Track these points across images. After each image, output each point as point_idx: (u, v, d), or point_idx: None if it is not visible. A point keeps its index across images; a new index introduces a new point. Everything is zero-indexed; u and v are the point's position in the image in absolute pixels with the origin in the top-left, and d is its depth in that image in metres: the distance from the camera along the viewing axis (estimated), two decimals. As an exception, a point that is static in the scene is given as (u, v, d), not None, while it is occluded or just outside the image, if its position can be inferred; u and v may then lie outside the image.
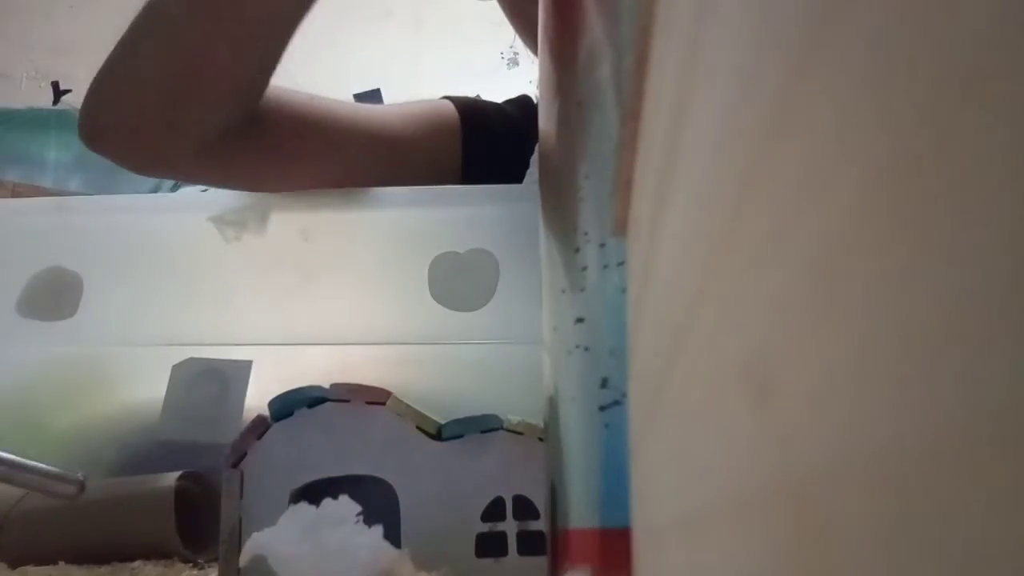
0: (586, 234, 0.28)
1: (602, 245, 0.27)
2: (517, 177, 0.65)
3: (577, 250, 0.28)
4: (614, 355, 0.26)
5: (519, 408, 0.41)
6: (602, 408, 0.26)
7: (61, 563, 0.45)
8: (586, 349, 0.27)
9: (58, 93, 1.81)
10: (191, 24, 0.52)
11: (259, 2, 0.51)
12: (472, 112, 0.68)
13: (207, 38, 0.52)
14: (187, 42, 0.52)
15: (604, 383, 0.26)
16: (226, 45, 0.52)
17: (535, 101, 0.74)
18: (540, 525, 0.39)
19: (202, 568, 0.46)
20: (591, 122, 0.28)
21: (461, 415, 0.41)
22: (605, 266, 0.27)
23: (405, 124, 0.64)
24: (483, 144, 0.67)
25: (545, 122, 0.33)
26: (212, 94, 0.53)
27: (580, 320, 0.28)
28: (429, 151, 0.65)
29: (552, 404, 0.31)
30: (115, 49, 0.54)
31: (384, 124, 0.63)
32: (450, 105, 0.67)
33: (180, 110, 0.53)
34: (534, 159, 0.66)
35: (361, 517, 0.34)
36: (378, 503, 0.38)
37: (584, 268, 0.28)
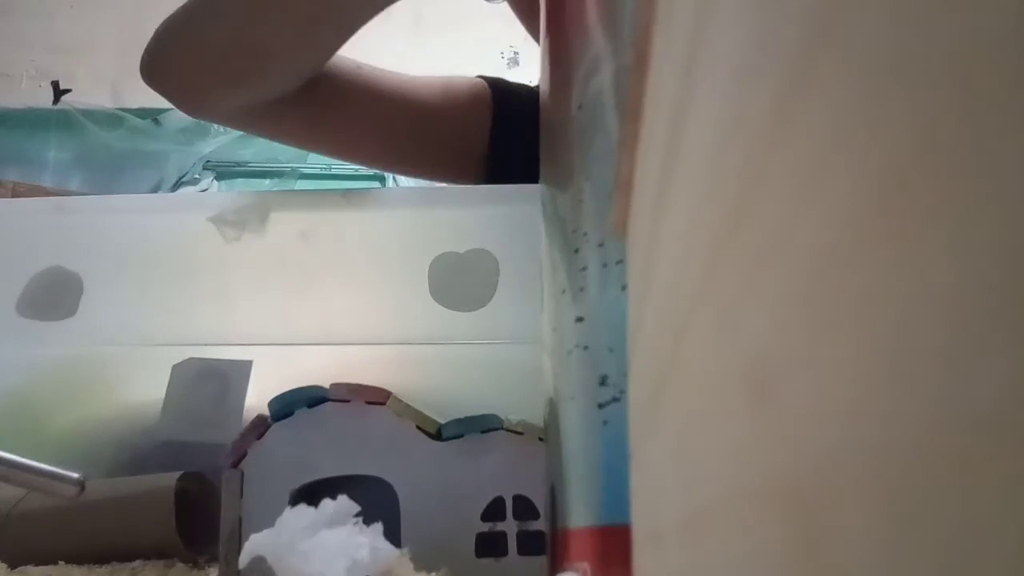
0: (586, 234, 0.28)
1: (601, 245, 0.27)
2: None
3: (577, 250, 0.28)
4: (613, 352, 0.26)
5: (519, 408, 0.40)
6: (601, 405, 0.26)
7: (61, 563, 0.45)
8: (585, 348, 0.27)
9: (58, 93, 1.81)
10: (258, 12, 0.56)
11: (327, 5, 0.55)
12: (503, 89, 0.71)
13: (272, 28, 0.56)
14: (251, 29, 0.56)
15: (603, 380, 0.26)
16: (289, 37, 0.56)
17: None
18: (540, 525, 0.39)
19: (202, 568, 0.46)
20: (592, 124, 0.28)
21: (461, 415, 0.41)
22: (604, 265, 0.27)
23: (441, 95, 0.69)
24: (511, 118, 0.70)
25: (547, 124, 0.33)
26: (269, 74, 0.58)
27: (580, 319, 0.28)
28: (459, 122, 0.69)
29: (552, 404, 0.31)
30: (192, 4, 0.58)
31: (420, 94, 0.67)
32: (482, 82, 0.71)
33: (237, 79, 0.58)
34: None
35: (361, 517, 0.34)
36: (378, 503, 0.38)
37: (584, 268, 0.28)
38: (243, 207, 0.56)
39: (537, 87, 0.74)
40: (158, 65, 0.60)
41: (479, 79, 0.71)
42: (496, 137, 0.69)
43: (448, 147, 0.68)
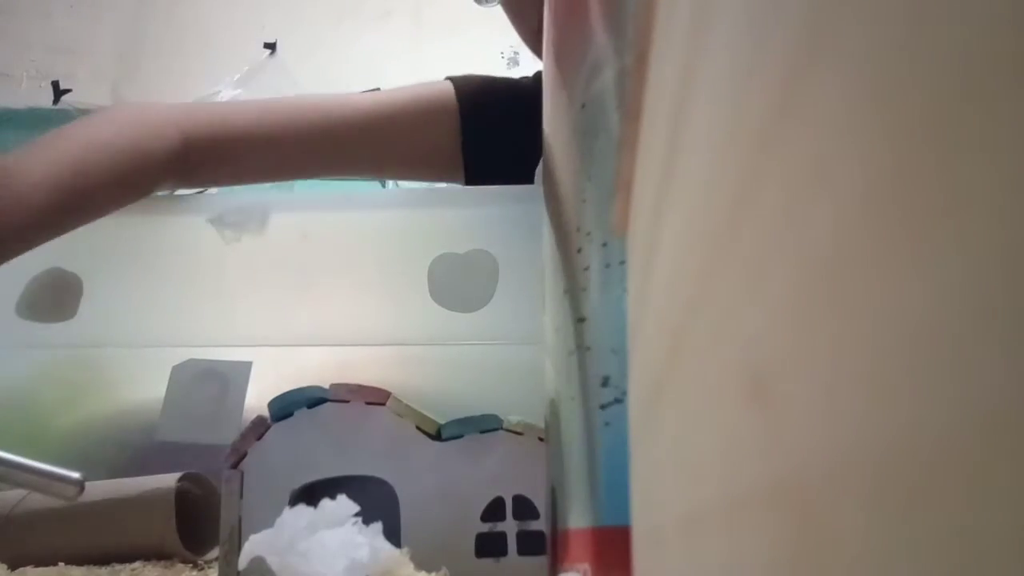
0: (588, 234, 0.28)
1: (604, 244, 0.27)
2: (526, 154, 0.65)
3: (580, 250, 0.28)
4: (615, 353, 0.26)
5: (519, 408, 0.41)
6: (603, 407, 0.26)
7: (61, 564, 0.45)
8: (587, 349, 0.27)
9: (58, 93, 1.80)
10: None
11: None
12: (470, 90, 0.68)
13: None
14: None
15: (605, 382, 0.26)
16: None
17: None
18: (540, 525, 0.39)
19: (202, 569, 0.46)
20: (594, 124, 0.28)
21: (461, 415, 0.41)
22: (607, 265, 0.27)
23: (393, 111, 0.65)
24: (482, 121, 0.67)
25: (549, 124, 0.33)
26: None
27: (582, 320, 0.28)
28: (422, 134, 0.66)
29: (553, 406, 0.31)
30: None
31: (365, 114, 0.64)
32: (448, 86, 0.68)
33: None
34: None
35: (360, 517, 0.34)
36: (378, 503, 0.38)
37: (586, 268, 0.28)
38: (243, 208, 0.56)
39: (521, 79, 0.73)
40: None
41: (445, 82, 0.69)
42: (467, 142, 0.66)
43: (413, 159, 0.66)
